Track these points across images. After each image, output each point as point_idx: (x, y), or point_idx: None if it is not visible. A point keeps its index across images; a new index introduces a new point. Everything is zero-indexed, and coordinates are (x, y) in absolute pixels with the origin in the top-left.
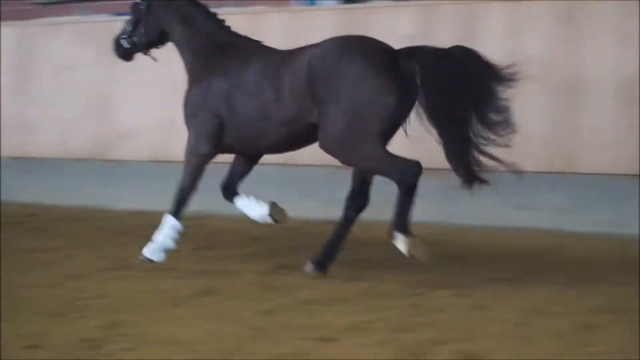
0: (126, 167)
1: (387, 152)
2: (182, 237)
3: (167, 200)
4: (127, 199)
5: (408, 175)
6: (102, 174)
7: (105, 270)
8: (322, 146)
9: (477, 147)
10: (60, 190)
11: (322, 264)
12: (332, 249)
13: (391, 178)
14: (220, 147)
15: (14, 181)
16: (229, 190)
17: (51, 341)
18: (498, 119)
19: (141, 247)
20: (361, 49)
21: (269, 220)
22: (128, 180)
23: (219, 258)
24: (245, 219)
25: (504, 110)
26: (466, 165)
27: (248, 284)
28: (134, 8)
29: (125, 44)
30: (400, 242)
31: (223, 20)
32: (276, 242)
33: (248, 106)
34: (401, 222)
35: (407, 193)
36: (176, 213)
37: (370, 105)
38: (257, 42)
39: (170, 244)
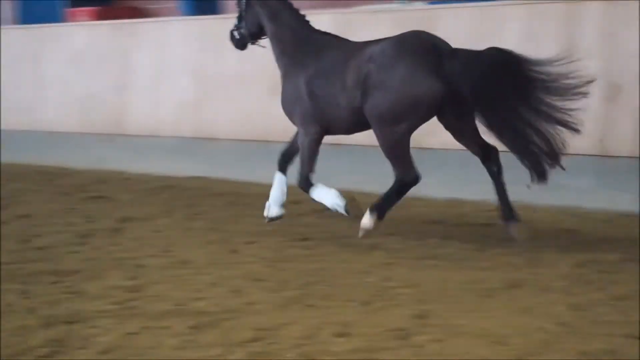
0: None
1: (407, 145)
2: (490, 228)
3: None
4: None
5: (405, 179)
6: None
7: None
8: (367, 114)
9: (538, 132)
10: None
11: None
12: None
13: (394, 169)
14: (323, 128)
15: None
16: (286, 158)
17: (360, 330)
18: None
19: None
20: (413, 48)
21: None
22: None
23: (531, 250)
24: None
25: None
26: (534, 160)
27: (559, 277)
28: (238, 4)
29: (236, 35)
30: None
31: (305, 16)
32: (588, 234)
33: (324, 94)
34: (381, 205)
35: (397, 188)
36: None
37: (411, 96)
38: (332, 36)
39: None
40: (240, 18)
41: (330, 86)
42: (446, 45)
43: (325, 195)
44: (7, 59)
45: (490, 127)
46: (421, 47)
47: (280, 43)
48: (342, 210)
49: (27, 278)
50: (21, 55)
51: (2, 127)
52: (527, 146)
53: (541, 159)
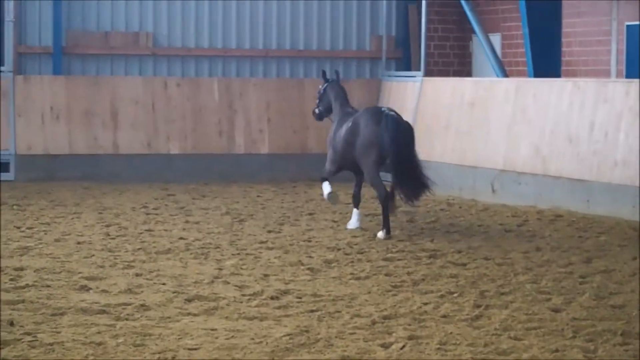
0: None
1: (378, 174)
2: None
3: None
4: None
5: (382, 198)
6: None
7: None
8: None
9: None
10: None
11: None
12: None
13: (376, 192)
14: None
15: None
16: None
17: None
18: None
19: None
20: (372, 113)
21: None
22: None
23: None
24: None
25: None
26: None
27: None
28: (319, 92)
29: (316, 111)
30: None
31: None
32: None
33: (340, 143)
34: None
35: (383, 206)
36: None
37: (370, 142)
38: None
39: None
40: (319, 100)
41: (341, 139)
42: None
43: (324, 187)
44: None
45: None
46: (376, 112)
47: (336, 114)
48: (327, 198)
49: (595, 336)
50: None
51: None
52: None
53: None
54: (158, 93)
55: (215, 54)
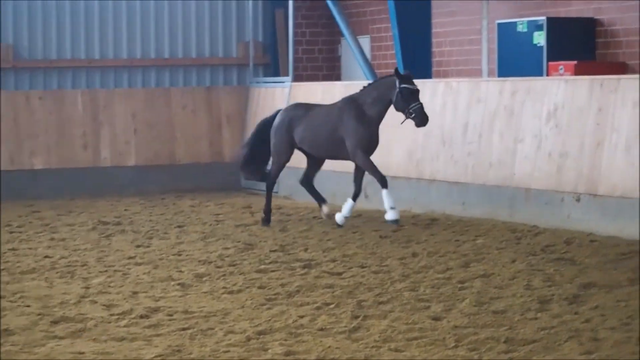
0: None
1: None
2: None
3: None
4: None
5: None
6: None
7: None
8: None
9: None
10: None
11: None
12: None
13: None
14: None
15: None
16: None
17: None
18: None
19: None
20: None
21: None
22: None
23: None
24: None
25: None
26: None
27: None
28: None
29: None
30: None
31: None
32: None
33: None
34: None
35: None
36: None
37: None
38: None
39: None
40: None
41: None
42: None
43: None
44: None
45: None
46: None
47: None
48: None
49: (478, 344)
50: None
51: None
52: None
53: None
54: (20, 107)
55: (79, 65)
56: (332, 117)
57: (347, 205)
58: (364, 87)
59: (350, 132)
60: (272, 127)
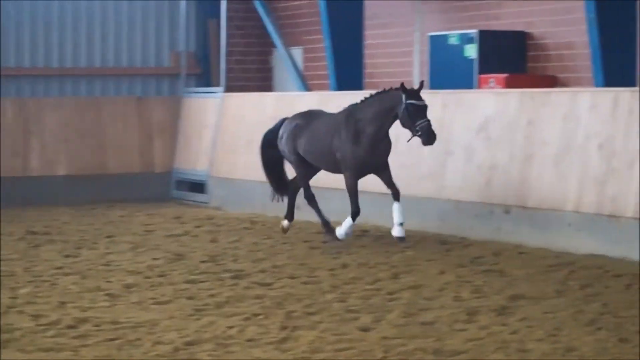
0: None
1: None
2: None
3: None
4: None
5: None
6: None
7: None
8: None
9: None
10: None
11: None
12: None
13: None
14: None
15: None
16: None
17: None
18: None
19: None
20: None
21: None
22: None
23: None
24: None
25: None
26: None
27: None
28: None
29: None
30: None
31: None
32: None
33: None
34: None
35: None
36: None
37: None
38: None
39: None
40: None
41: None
42: None
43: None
44: None
45: None
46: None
47: None
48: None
49: (407, 355)
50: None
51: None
52: None
53: None
54: None
55: (8, 73)
56: (329, 132)
57: (395, 210)
58: (366, 97)
59: (344, 152)
60: (279, 139)
